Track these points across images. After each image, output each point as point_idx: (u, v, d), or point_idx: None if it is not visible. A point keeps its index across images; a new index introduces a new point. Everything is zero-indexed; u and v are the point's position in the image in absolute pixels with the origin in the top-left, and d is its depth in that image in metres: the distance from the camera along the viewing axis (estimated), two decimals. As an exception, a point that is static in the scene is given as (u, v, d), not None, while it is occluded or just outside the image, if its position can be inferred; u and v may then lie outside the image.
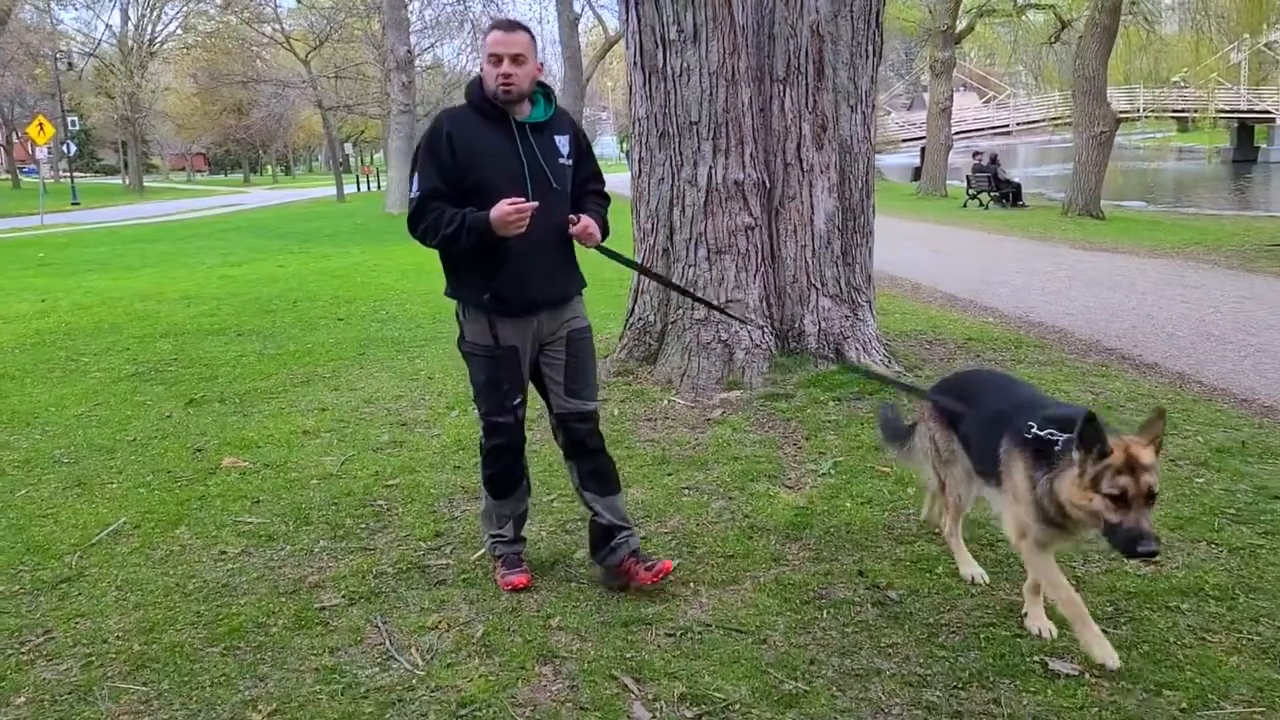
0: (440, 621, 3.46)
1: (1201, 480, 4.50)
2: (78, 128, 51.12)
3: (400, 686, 3.05)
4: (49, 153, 35.30)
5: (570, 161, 3.57)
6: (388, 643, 3.33)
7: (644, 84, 6.26)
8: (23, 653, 3.40)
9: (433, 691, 3.01)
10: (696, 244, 6.13)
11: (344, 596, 3.70)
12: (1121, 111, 36.90)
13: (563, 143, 3.55)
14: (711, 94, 6.02)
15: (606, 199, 3.79)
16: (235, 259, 17.22)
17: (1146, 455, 2.72)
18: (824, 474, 4.74)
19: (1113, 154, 23.15)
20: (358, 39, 36.84)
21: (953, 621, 3.31)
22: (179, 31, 52.28)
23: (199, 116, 58.61)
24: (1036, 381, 6.25)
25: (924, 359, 6.91)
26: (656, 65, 6.16)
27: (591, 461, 3.70)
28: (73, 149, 45.75)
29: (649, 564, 3.61)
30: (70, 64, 52.17)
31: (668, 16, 6.04)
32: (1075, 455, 2.78)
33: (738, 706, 2.87)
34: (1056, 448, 2.88)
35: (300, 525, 4.48)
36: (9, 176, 57.47)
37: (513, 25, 3.52)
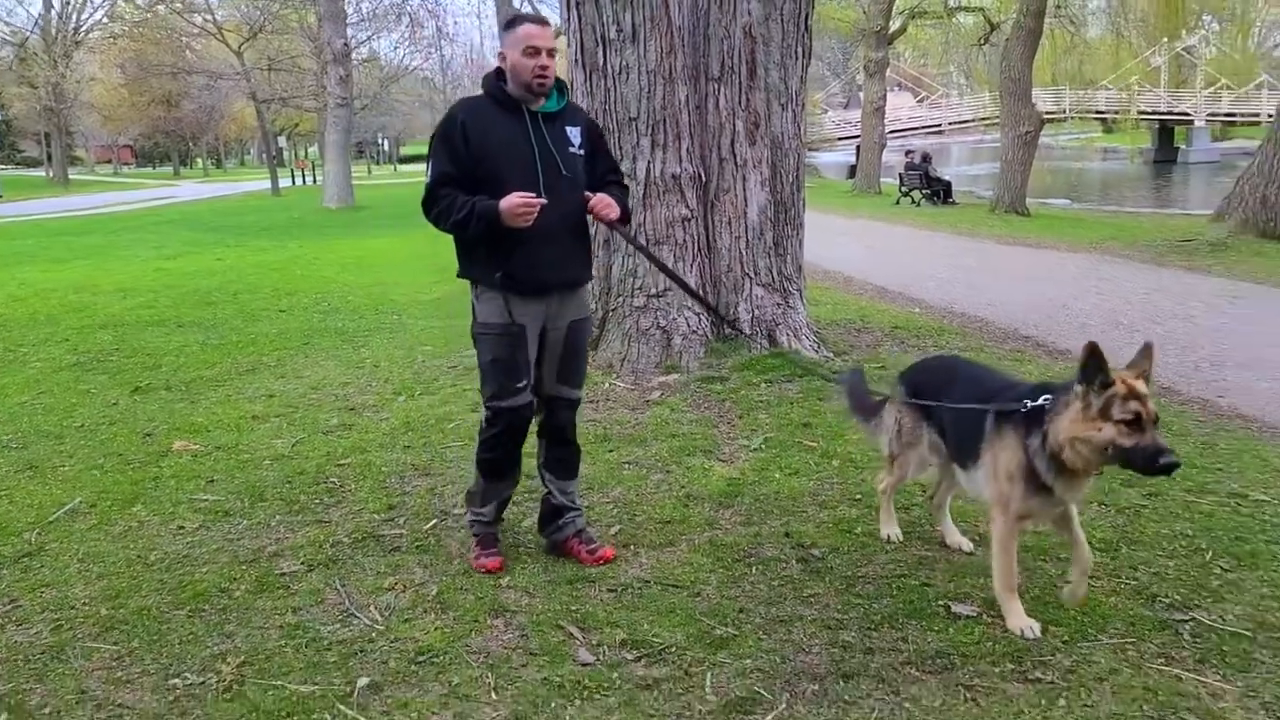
0: (396, 583, 3.70)
1: (1098, 451, 4.90)
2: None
3: (361, 639, 3.28)
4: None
5: (581, 151, 3.69)
6: (347, 602, 3.55)
7: (585, 81, 6.52)
8: (-8, 619, 3.56)
9: (392, 643, 3.25)
10: (636, 235, 6.41)
11: (303, 564, 3.91)
12: (1048, 112, 38.10)
13: (574, 133, 3.68)
14: (649, 91, 6.30)
15: (626, 190, 3.92)
16: (170, 252, 17.09)
17: (1142, 385, 2.93)
18: (755, 449, 5.06)
19: (1040, 154, 24.01)
20: (293, 31, 36.40)
21: (869, 574, 3.64)
22: (105, 20, 51.10)
23: (126, 108, 57.25)
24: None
25: (852, 345, 7.28)
26: (597, 63, 6.43)
27: (562, 450, 3.90)
28: (-6, 140, 44.44)
29: (591, 547, 3.84)
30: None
31: (607, 17, 6.30)
32: (1077, 390, 2.97)
33: (674, 649, 3.16)
34: (1048, 407, 3.07)
35: (255, 502, 4.66)
36: (-74, 168, 55.76)
37: (543, 20, 3.68)
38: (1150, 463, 2.88)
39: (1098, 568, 3.59)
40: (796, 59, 6.72)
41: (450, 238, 3.65)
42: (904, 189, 26.05)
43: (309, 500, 4.64)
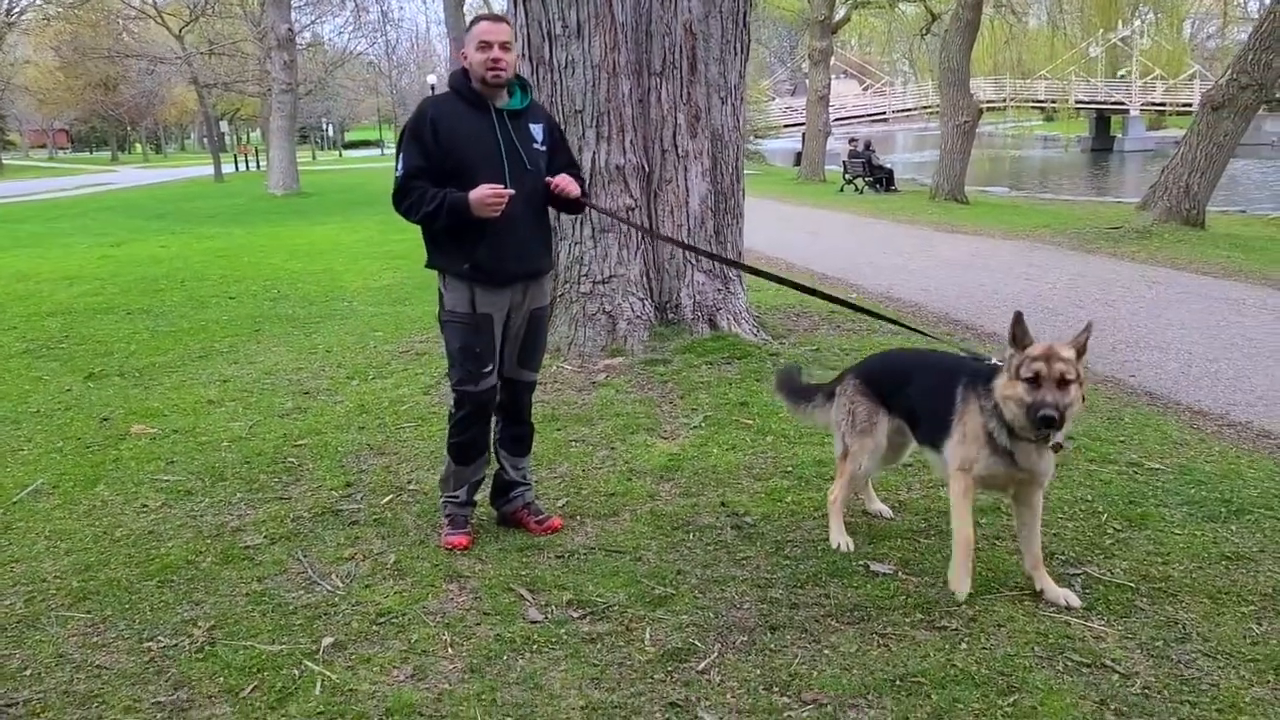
0: (356, 553, 3.93)
1: (1012, 425, 5.26)
2: (-70, 101, 48.33)
3: (324, 604, 3.52)
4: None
5: (544, 147, 3.88)
6: (310, 571, 3.78)
7: (532, 74, 6.73)
8: (-34, 593, 3.72)
9: (354, 606, 3.49)
10: (582, 223, 6.65)
11: (265, 537, 4.13)
12: (988, 101, 38.89)
13: (537, 130, 3.87)
14: (594, 85, 6.54)
15: (581, 180, 4.07)
16: (113, 239, 16.96)
17: (1065, 351, 3.17)
18: (695, 426, 5.35)
19: (982, 142, 24.65)
20: (235, 15, 35.90)
21: (796, 538, 3.95)
22: (40, 1, 49.83)
23: (62, 91, 55.79)
24: (885, 347, 7.00)
25: (790, 329, 7.61)
26: (543, 57, 6.65)
27: (517, 428, 4.11)
28: (-75, 124, 43.24)
29: (540, 518, 4.10)
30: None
31: (553, 13, 6.53)
32: (1008, 354, 3.26)
33: (615, 607, 3.43)
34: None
35: (216, 481, 4.85)
36: None
37: (498, 18, 3.87)
38: (1032, 416, 3.16)
39: (1004, 531, 3.94)
40: (735, 54, 7.00)
41: (406, 228, 3.89)
42: (847, 177, 26.54)
43: (268, 479, 4.84)
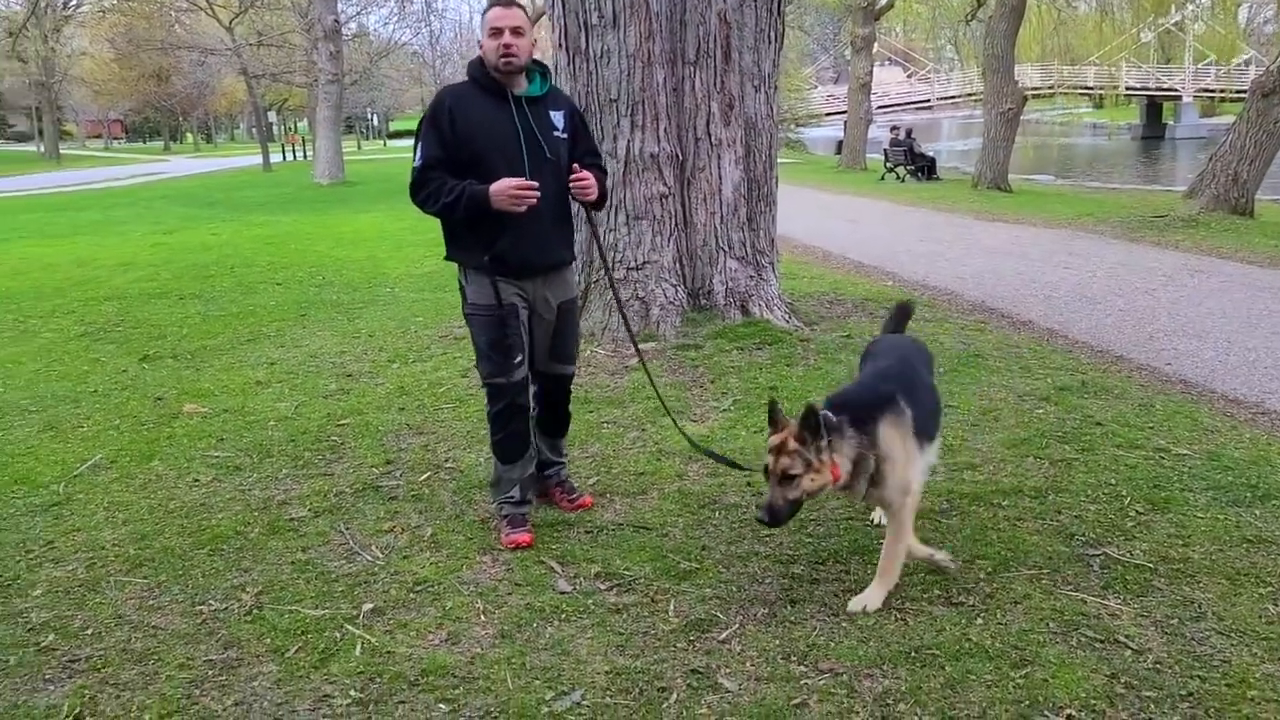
0: (394, 527, 4.10)
1: (1040, 411, 5.32)
2: (-10, 93, 49.62)
3: (365, 573, 3.69)
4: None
5: (565, 135, 3.80)
6: (351, 542, 3.96)
7: (568, 64, 6.86)
8: (31, 558, 3.95)
9: (392, 575, 3.66)
10: (616, 210, 6.78)
11: (309, 510, 4.31)
12: (1034, 88, 38.39)
13: (558, 117, 3.79)
14: (629, 74, 6.66)
15: (605, 173, 4.04)
16: (166, 227, 17.37)
17: (793, 443, 3.16)
18: (725, 410, 5.46)
19: (1029, 129, 24.37)
20: (283, 7, 36.40)
21: (820, 518, 4.05)
22: (94, -7, 50.91)
23: (116, 82, 57.04)
24: (919, 335, 7.06)
25: (822, 316, 7.68)
26: (579, 47, 6.77)
27: (555, 412, 4.16)
28: (-15, 115, 44.39)
29: (572, 495, 4.20)
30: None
31: (590, 3, 6.65)
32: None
33: (642, 580, 3.57)
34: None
35: (263, 458, 5.05)
36: (-85, 142, 55.61)
37: (510, 2, 3.73)
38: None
39: (1026, 512, 4.02)
40: (769, 43, 7.07)
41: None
42: (889, 165, 26.40)
43: (313, 456, 5.03)
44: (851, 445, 3.22)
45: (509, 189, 3.54)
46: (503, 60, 3.64)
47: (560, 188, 3.80)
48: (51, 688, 3.03)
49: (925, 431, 3.45)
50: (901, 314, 4.33)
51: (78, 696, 2.96)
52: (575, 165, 3.79)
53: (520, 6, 3.78)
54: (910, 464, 3.34)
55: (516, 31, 3.64)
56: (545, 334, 3.93)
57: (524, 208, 3.58)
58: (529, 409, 4.00)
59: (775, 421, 3.25)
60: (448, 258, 3.87)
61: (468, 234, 3.74)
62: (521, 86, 3.75)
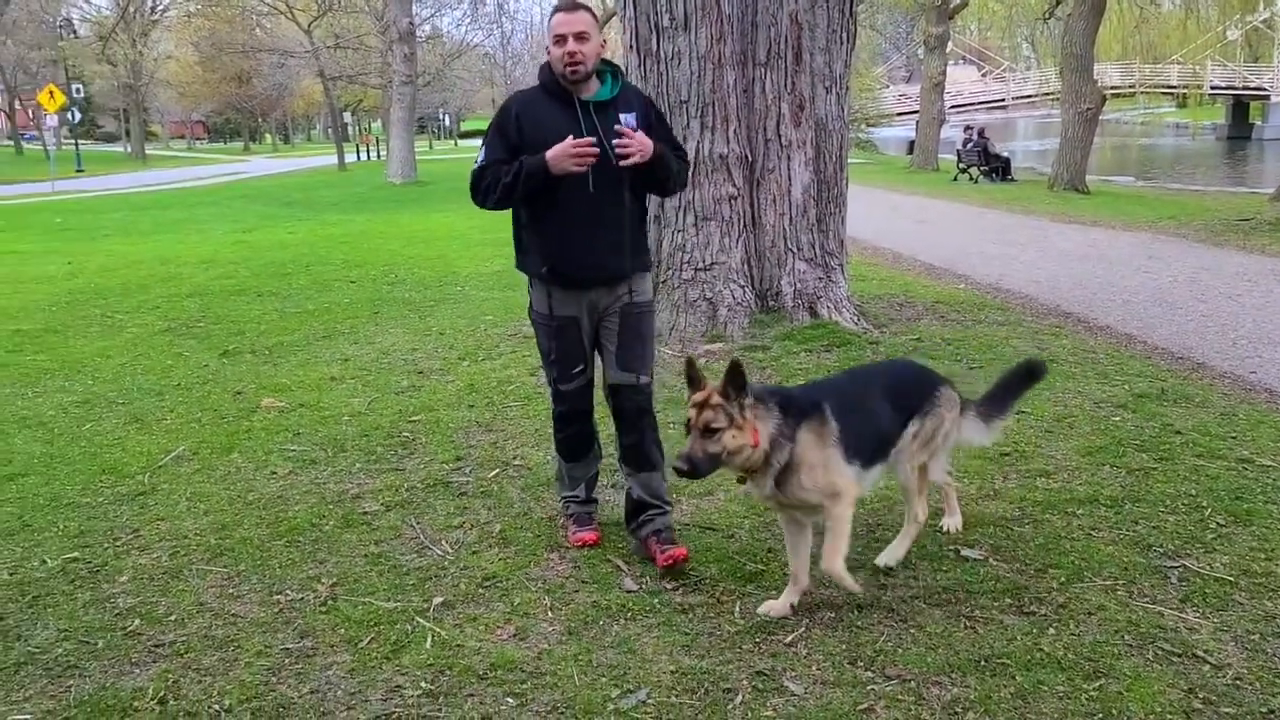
0: (464, 522, 4.17)
1: (1117, 419, 5.20)
2: (82, 95, 51.38)
3: (435, 567, 3.76)
4: (56, 120, 35.71)
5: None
6: (422, 537, 4.04)
7: (639, 65, 6.90)
8: (118, 546, 4.10)
9: (462, 570, 3.73)
10: (685, 211, 6.79)
11: (382, 504, 4.41)
12: (1114, 88, 37.44)
13: (629, 120, 3.59)
14: (700, 76, 6.67)
15: (685, 164, 3.88)
16: (246, 225, 17.84)
17: (717, 397, 3.16)
18: (793, 412, 5.43)
19: (1110, 129, 23.83)
20: (360, 10, 37.13)
21: (888, 522, 4.02)
22: (181, -1, 52.55)
23: (200, 85, 58.87)
24: (990, 339, 6.98)
25: (892, 318, 7.60)
26: (650, 49, 6.80)
27: (632, 436, 3.80)
28: (77, 117, 46.02)
29: (665, 548, 3.66)
30: (74, 32, 52.35)
31: (661, 5, 6.67)
32: None
33: (708, 581, 3.58)
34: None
35: (337, 452, 5.17)
36: (11, 143, 57.84)
37: (574, 6, 3.60)
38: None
39: (1101, 522, 3.93)
40: (841, 44, 7.03)
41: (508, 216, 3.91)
42: (962, 165, 25.99)
43: (385, 451, 5.14)
44: (773, 423, 3.24)
45: (567, 150, 3.42)
46: (568, 69, 3.53)
47: (625, 195, 3.67)
48: (137, 671, 3.15)
49: (855, 452, 3.36)
50: (1027, 376, 4.00)
51: (162, 680, 3.07)
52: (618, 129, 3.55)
53: (586, 9, 3.67)
54: (831, 471, 3.29)
55: (581, 37, 3.52)
56: (610, 340, 3.79)
57: (586, 166, 3.45)
58: (592, 413, 3.94)
59: (694, 381, 3.25)
60: (516, 267, 3.87)
61: (531, 242, 3.71)
62: (591, 90, 3.63)
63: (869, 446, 3.45)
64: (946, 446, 3.73)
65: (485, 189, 3.62)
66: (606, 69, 3.69)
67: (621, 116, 3.62)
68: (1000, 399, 3.92)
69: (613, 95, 3.65)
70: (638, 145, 3.49)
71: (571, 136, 3.45)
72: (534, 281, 3.78)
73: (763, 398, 3.26)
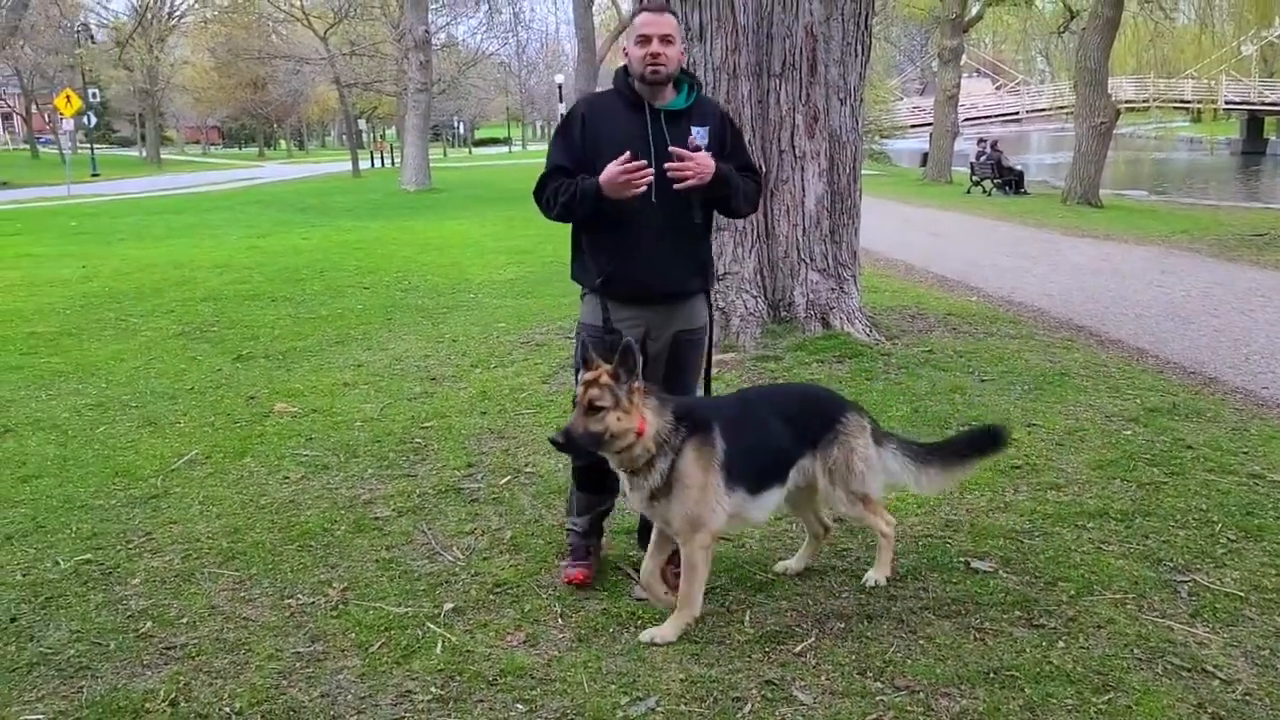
0: (475, 529, 4.19)
1: (1128, 432, 5.20)
2: (98, 100, 51.76)
3: (446, 573, 3.78)
4: (72, 124, 35.98)
5: (708, 153, 3.44)
6: (433, 543, 4.05)
7: (654, 76, 6.92)
8: (131, 548, 4.13)
9: (473, 576, 3.74)
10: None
11: (394, 510, 4.43)
12: (1128, 102, 37.35)
13: (700, 133, 3.47)
14: (714, 87, 6.69)
15: (756, 183, 3.70)
16: (260, 231, 17.92)
17: (606, 376, 3.12)
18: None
19: (1123, 143, 23.79)
20: (376, 17, 37.36)
21: (899, 533, 3.96)
22: (196, 4, 52.94)
23: (215, 90, 59.30)
24: (1002, 352, 6.97)
25: (904, 330, 7.60)
26: (666, 59, 6.82)
27: None
28: (93, 121, 46.35)
29: (678, 570, 3.46)
30: (91, 37, 52.79)
31: (677, 16, 6.68)
32: None
33: (718, 590, 3.58)
34: None
35: (350, 458, 5.19)
36: (27, 147, 58.27)
37: (660, 8, 3.53)
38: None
39: (1111, 535, 3.93)
40: (856, 56, 7.05)
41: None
42: (975, 178, 25.97)
43: (397, 457, 5.16)
44: (664, 422, 3.20)
45: (617, 173, 3.28)
46: (649, 70, 3.40)
47: (690, 211, 3.51)
48: (149, 673, 3.17)
49: (741, 477, 3.28)
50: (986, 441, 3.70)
51: (173, 682, 3.09)
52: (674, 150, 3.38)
53: (673, 13, 3.56)
54: (704, 500, 3.20)
55: (666, 40, 3.39)
56: (657, 367, 3.57)
57: (641, 189, 3.30)
58: None
59: (588, 362, 3.21)
60: (571, 277, 3.72)
61: (589, 253, 3.56)
62: (665, 98, 3.48)
63: (757, 471, 3.34)
64: (873, 473, 3.49)
65: (546, 201, 3.52)
66: (685, 79, 3.56)
67: (693, 129, 3.49)
68: (942, 449, 3.68)
69: (687, 106, 3.52)
70: (694, 169, 3.34)
71: (627, 154, 3.30)
72: (586, 292, 3.63)
73: (659, 395, 3.25)
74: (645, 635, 3.25)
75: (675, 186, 3.36)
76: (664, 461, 3.19)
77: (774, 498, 3.42)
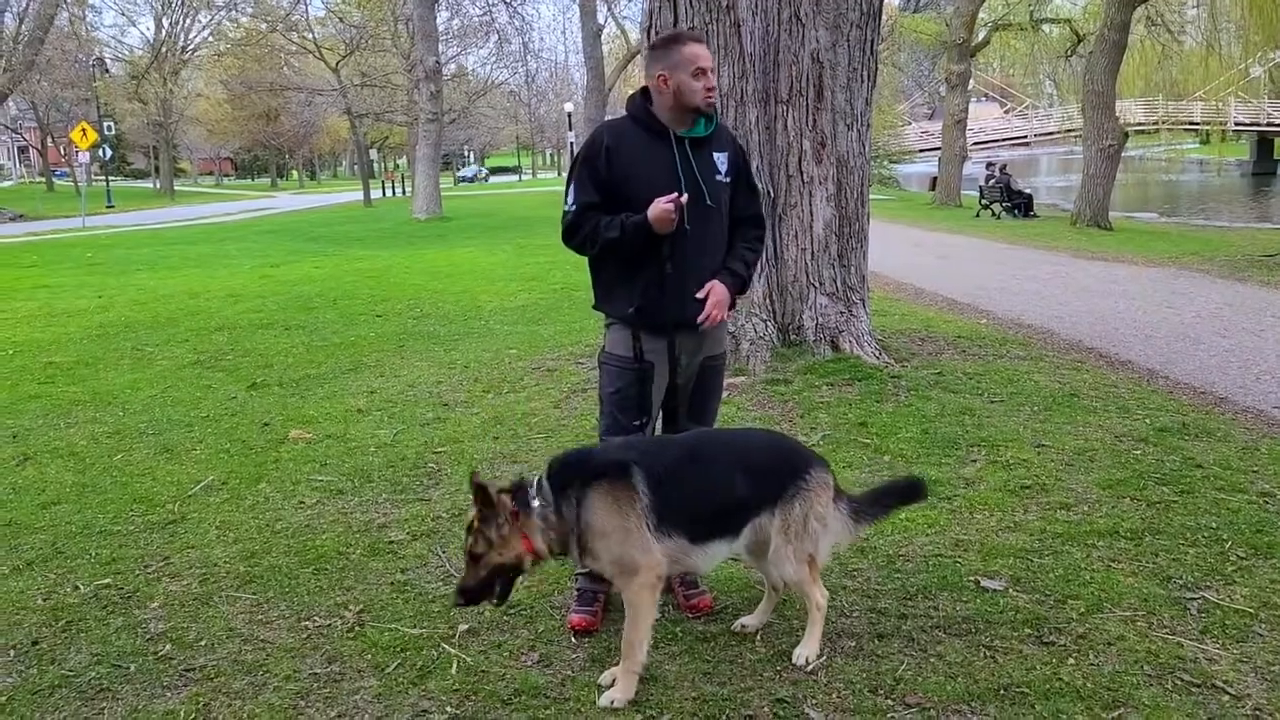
0: (489, 551, 4.22)
1: (1138, 452, 5.21)
2: (113, 132, 52.39)
3: (460, 595, 3.81)
4: (88, 157, 36.42)
5: (728, 179, 3.54)
6: (447, 566, 4.09)
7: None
8: (149, 573, 4.19)
9: (487, 598, 3.77)
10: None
11: (408, 533, 4.48)
12: (1137, 124, 37.43)
13: (721, 160, 3.53)
14: (722, 113, 6.74)
15: (760, 239, 3.75)
16: (273, 260, 18.08)
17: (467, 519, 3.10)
18: (814, 444, 5.45)
19: (1133, 166, 23.78)
20: (387, 49, 37.80)
21: (908, 553, 4.05)
22: (210, 38, 53.68)
23: (229, 122, 60.00)
24: (1012, 373, 6.99)
25: (913, 353, 7.63)
26: (674, 87, 6.92)
27: None
28: (108, 153, 46.90)
29: (690, 592, 3.65)
30: (107, 70, 53.49)
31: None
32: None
33: (730, 609, 3.62)
34: None
35: (364, 483, 5.25)
36: (43, 180, 58.95)
37: (700, 39, 3.56)
38: None
39: (1121, 554, 3.95)
40: (862, 82, 7.13)
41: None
42: (984, 202, 26.04)
43: (411, 482, 5.21)
44: (545, 516, 3.06)
45: (661, 210, 3.30)
46: (706, 102, 3.44)
47: (719, 237, 3.56)
48: (169, 694, 3.22)
49: (676, 524, 3.08)
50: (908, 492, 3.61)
51: (193, 703, 3.14)
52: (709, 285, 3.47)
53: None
54: (628, 542, 3.03)
55: (713, 70, 3.49)
56: (685, 392, 3.62)
57: (676, 219, 3.33)
58: None
59: (480, 501, 3.06)
60: (594, 307, 3.68)
61: (618, 284, 3.52)
62: (688, 125, 3.50)
63: (699, 519, 3.14)
64: (826, 535, 3.28)
65: (582, 241, 3.49)
66: None
67: (715, 155, 3.53)
68: (873, 500, 3.50)
69: (709, 133, 3.54)
70: (718, 311, 3.48)
71: (675, 195, 3.33)
72: (614, 322, 3.58)
73: (525, 501, 3.08)
74: (603, 700, 3.03)
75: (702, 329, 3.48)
76: (570, 534, 3.08)
77: (720, 549, 3.22)
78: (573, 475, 3.11)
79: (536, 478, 3.14)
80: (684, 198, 3.33)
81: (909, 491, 3.58)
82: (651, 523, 3.04)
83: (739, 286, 3.61)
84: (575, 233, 3.50)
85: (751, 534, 3.22)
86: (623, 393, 3.53)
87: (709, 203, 3.47)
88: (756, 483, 3.21)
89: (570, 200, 3.50)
